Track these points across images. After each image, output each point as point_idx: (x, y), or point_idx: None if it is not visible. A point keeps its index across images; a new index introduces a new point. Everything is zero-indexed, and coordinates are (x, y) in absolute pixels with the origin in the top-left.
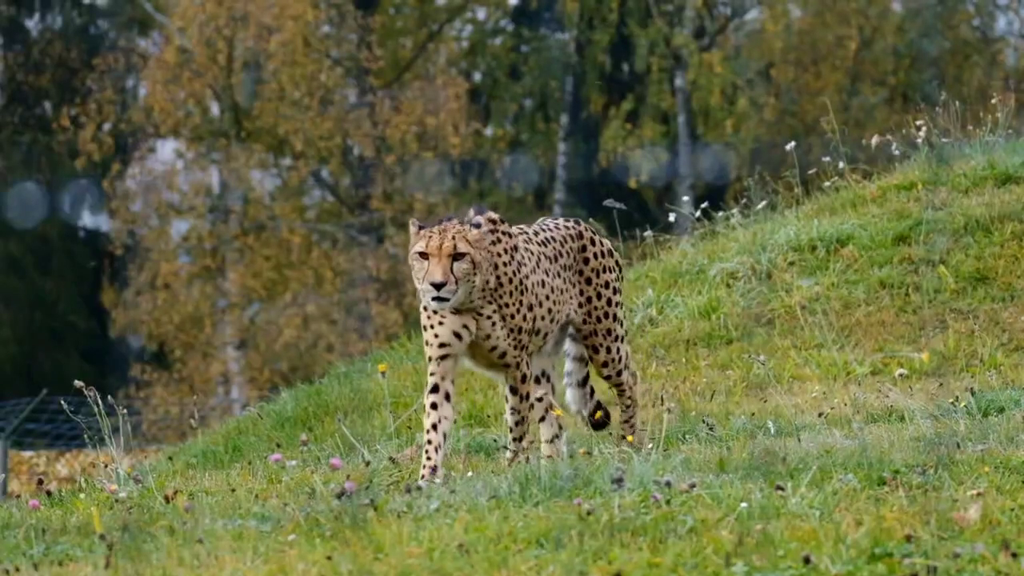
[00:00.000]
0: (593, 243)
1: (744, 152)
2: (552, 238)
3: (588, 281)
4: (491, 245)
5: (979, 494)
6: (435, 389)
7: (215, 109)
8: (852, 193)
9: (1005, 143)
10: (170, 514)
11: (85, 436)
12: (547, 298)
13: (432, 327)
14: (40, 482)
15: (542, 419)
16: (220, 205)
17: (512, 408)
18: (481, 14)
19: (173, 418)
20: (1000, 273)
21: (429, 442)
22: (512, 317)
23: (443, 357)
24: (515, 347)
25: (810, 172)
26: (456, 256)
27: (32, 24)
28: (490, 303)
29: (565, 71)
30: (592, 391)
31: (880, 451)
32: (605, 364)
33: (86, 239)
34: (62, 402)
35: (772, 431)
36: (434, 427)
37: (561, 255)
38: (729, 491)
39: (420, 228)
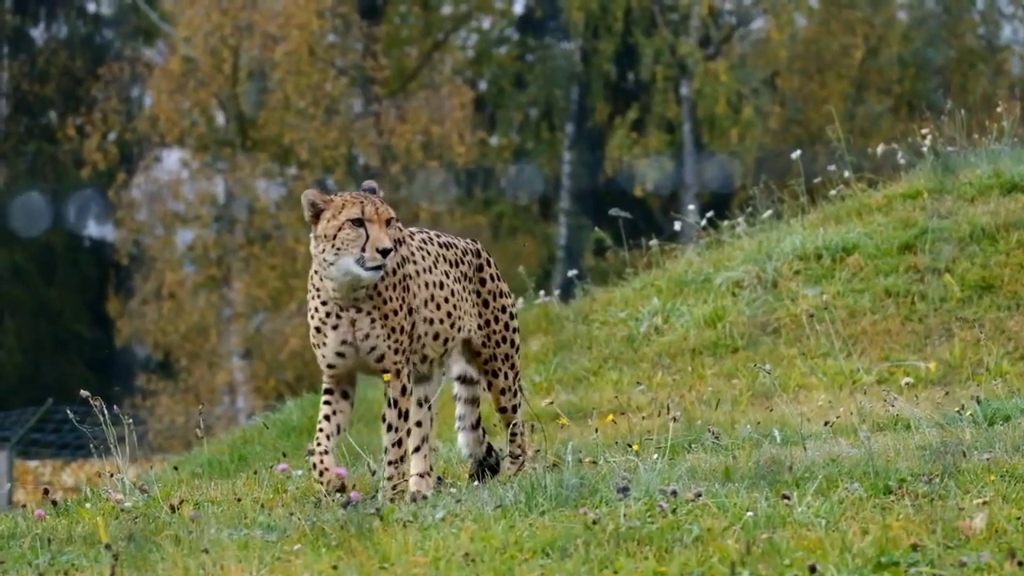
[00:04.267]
0: (489, 264)
1: (749, 161)
2: (453, 243)
3: (485, 304)
4: None
5: (985, 503)
6: (330, 393)
7: (220, 118)
8: (857, 202)
9: (1011, 151)
10: (176, 524)
11: (91, 446)
12: (446, 300)
13: (319, 347)
14: (46, 492)
15: (416, 449)
16: (225, 214)
17: (389, 425)
18: (486, 23)
19: (179, 427)
20: (1006, 281)
21: (324, 450)
22: (395, 313)
23: (333, 376)
24: (395, 351)
25: (815, 181)
26: (389, 222)
27: (37, 33)
28: (370, 298)
29: (570, 80)
30: (484, 433)
31: (886, 460)
32: (503, 392)
33: (91, 248)
34: (68, 412)
35: (778, 440)
36: (327, 436)
37: (461, 263)
38: (735, 500)
39: (326, 198)
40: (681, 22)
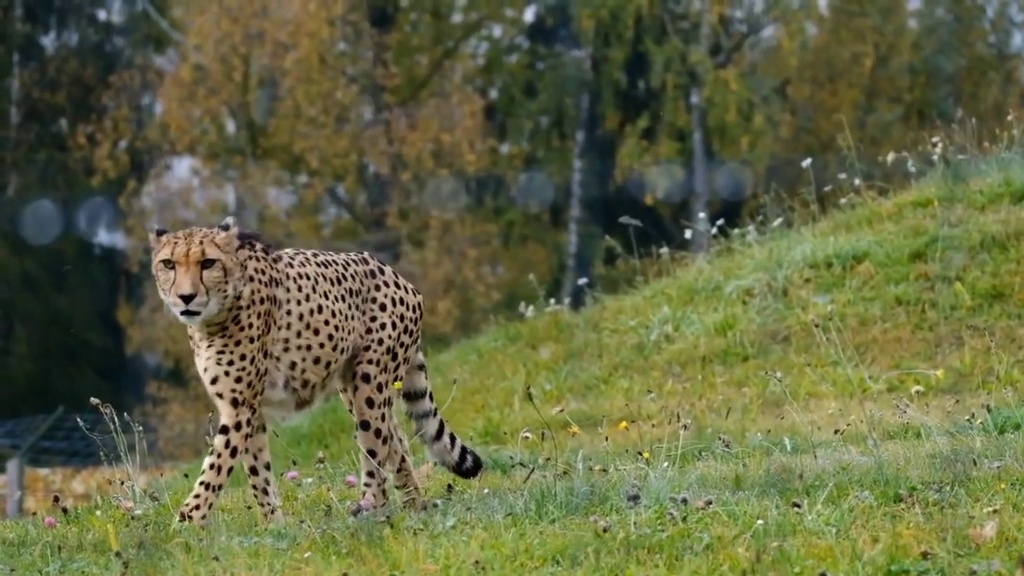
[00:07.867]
0: (382, 272)
1: (760, 169)
2: (333, 260)
3: (382, 308)
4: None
5: (995, 511)
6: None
7: (231, 127)
8: (868, 210)
9: (1021, 160)
10: (186, 531)
11: (101, 453)
12: (326, 323)
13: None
14: (56, 499)
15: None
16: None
17: (213, 450)
18: (497, 31)
19: (189, 435)
20: (1016, 290)
21: (254, 486)
22: (251, 340)
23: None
24: (236, 379)
25: (826, 189)
26: (205, 263)
27: (48, 41)
28: (223, 329)
29: (581, 88)
30: (453, 438)
31: (896, 468)
32: (370, 403)
33: (102, 256)
34: (78, 419)
35: (788, 448)
36: (253, 470)
37: (344, 278)
38: (745, 508)
39: (160, 233)
40: (691, 30)
